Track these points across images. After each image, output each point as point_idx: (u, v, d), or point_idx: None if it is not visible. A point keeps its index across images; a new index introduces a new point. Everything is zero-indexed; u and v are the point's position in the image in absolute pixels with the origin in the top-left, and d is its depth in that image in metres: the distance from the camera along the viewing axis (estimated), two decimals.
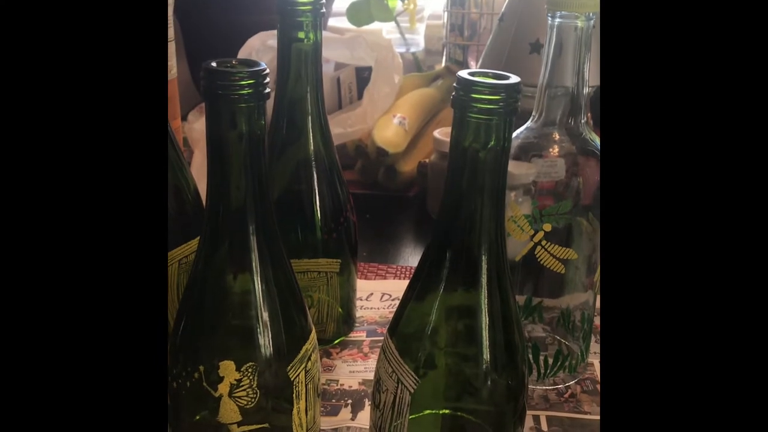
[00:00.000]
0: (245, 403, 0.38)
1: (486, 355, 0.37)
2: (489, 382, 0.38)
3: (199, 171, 0.55)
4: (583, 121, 0.48)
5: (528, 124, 0.49)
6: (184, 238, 0.47)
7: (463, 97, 0.34)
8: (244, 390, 0.38)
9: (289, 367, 0.38)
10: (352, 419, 0.49)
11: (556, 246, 0.48)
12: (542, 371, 0.52)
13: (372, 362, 0.55)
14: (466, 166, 0.35)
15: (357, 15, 1.05)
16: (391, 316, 0.40)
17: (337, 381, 0.53)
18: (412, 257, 0.73)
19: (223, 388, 0.37)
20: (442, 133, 0.77)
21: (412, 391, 0.37)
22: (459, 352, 0.38)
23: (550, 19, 0.46)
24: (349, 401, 0.51)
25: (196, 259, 0.38)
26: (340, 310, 0.57)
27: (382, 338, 0.40)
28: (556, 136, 0.48)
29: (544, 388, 0.52)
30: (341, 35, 0.91)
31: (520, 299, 0.52)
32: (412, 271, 0.40)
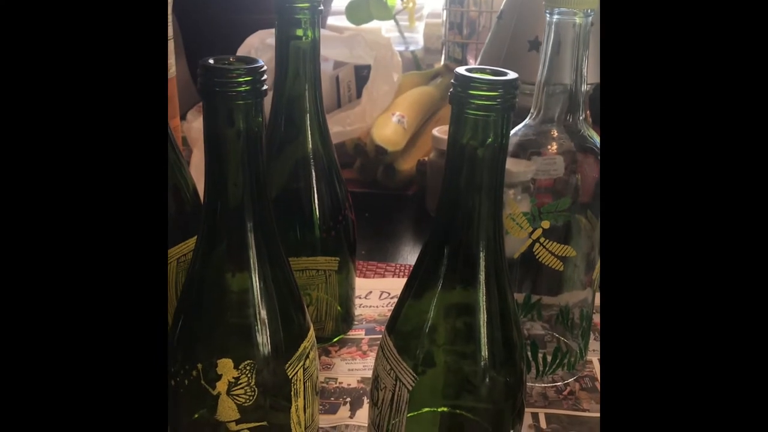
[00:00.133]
0: (243, 400, 0.38)
1: (484, 352, 0.37)
2: (487, 380, 0.38)
3: (197, 170, 0.55)
4: (581, 118, 0.48)
5: (526, 121, 0.49)
6: (182, 237, 0.47)
7: (460, 94, 0.34)
8: (243, 388, 0.38)
9: (287, 365, 0.38)
10: (351, 417, 0.49)
11: (555, 243, 0.48)
12: (541, 369, 0.52)
13: (371, 360, 0.55)
14: (464, 163, 0.35)
15: (356, 13, 1.04)
16: (389, 314, 0.40)
17: (336, 379, 0.53)
18: (411, 255, 0.73)
19: (222, 386, 0.37)
20: (441, 132, 0.77)
21: (410, 388, 0.37)
22: (457, 349, 0.38)
23: (548, 16, 0.46)
24: (348, 399, 0.51)
25: (194, 257, 0.38)
26: (338, 308, 0.57)
27: (380, 336, 0.40)
28: (555, 134, 0.48)
29: (542, 385, 0.52)
30: (340, 34, 0.91)
31: (519, 297, 0.52)
32: (411, 269, 0.40)
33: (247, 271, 0.38)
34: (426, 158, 0.84)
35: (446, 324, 0.38)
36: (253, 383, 0.37)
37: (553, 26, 0.46)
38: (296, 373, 0.39)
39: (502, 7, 0.75)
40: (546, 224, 0.48)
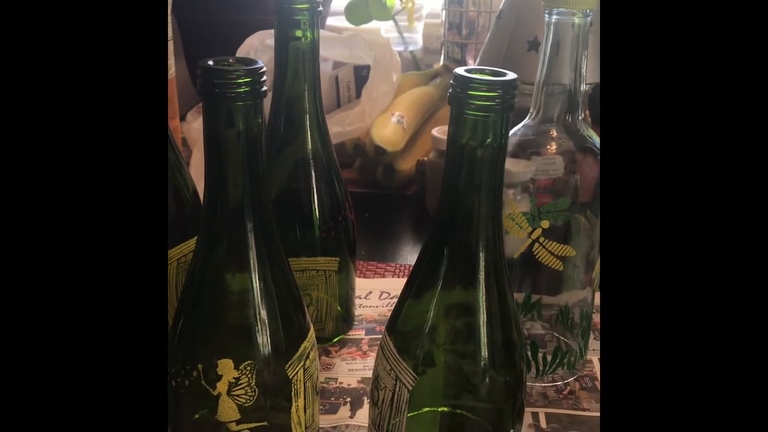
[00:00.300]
0: (244, 401, 0.38)
1: (484, 352, 0.37)
2: (487, 380, 0.38)
3: (197, 170, 0.55)
4: (580, 118, 0.48)
5: (525, 121, 0.49)
6: (182, 237, 0.47)
7: (459, 94, 0.34)
8: (243, 388, 0.38)
9: (288, 365, 0.38)
10: (351, 417, 0.49)
11: (554, 243, 0.48)
12: (541, 368, 0.52)
13: (371, 360, 0.55)
14: (464, 164, 0.35)
15: (355, 14, 1.05)
16: (389, 314, 0.40)
17: (336, 379, 0.53)
18: (410, 255, 0.73)
19: (222, 387, 0.37)
20: (440, 132, 0.77)
21: (410, 388, 0.37)
22: (457, 349, 0.38)
23: (547, 16, 0.46)
24: (348, 399, 0.51)
25: (194, 257, 0.38)
26: (338, 308, 0.57)
27: (380, 336, 0.40)
28: (554, 134, 0.48)
29: (543, 385, 0.53)
30: (339, 34, 0.91)
31: (519, 296, 0.52)
32: (411, 269, 0.40)
33: (247, 272, 0.38)
34: (425, 158, 0.84)
35: (446, 324, 0.38)
36: (253, 383, 0.38)
37: (551, 26, 0.46)
38: (296, 373, 0.39)
39: (501, 7, 0.75)
40: (545, 224, 0.48)
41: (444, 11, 1.05)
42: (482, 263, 0.36)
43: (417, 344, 0.38)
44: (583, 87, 0.47)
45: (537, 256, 0.49)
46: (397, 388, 0.38)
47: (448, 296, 0.37)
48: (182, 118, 0.83)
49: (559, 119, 0.48)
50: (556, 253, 0.49)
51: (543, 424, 0.49)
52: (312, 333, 0.41)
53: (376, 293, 0.65)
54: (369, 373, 0.53)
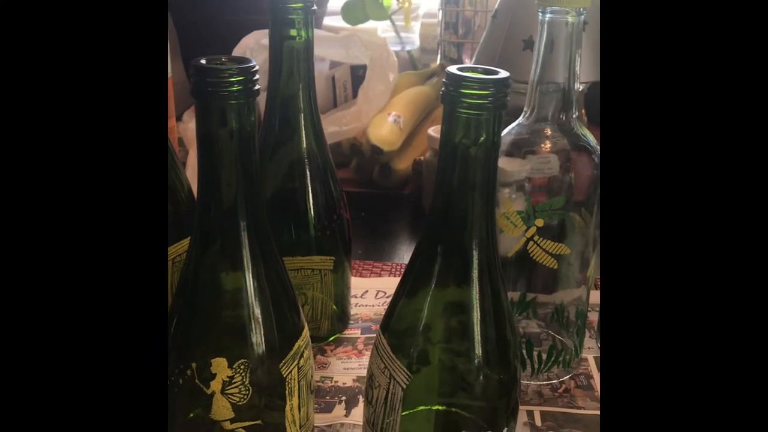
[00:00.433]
0: (238, 399, 0.38)
1: (478, 350, 0.37)
2: (481, 378, 0.38)
3: (194, 170, 0.55)
4: (574, 116, 0.48)
5: (519, 120, 0.49)
6: (177, 237, 0.47)
7: (452, 93, 0.34)
8: (237, 387, 0.38)
9: (282, 364, 0.39)
10: (346, 416, 0.49)
11: (549, 241, 0.48)
12: (536, 366, 0.52)
13: (366, 359, 0.55)
14: (457, 162, 0.35)
15: (352, 14, 1.05)
16: None
17: (332, 378, 0.53)
18: (407, 255, 0.73)
19: (216, 385, 0.37)
20: (436, 131, 0.77)
21: (404, 386, 0.37)
22: (451, 347, 0.38)
23: (540, 15, 0.46)
24: (343, 398, 0.51)
25: (188, 256, 0.38)
26: (334, 307, 0.57)
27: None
28: (548, 132, 0.48)
29: (538, 383, 0.53)
30: (336, 34, 0.91)
31: (515, 295, 0.52)
32: None
33: (241, 271, 0.38)
34: (422, 158, 0.84)
35: (440, 322, 0.38)
36: (247, 382, 0.38)
37: (545, 25, 0.46)
38: (291, 372, 0.39)
39: (496, 6, 0.75)
40: (540, 222, 0.48)
41: (440, 11, 1.06)
42: (476, 262, 0.36)
43: (411, 343, 0.38)
44: (577, 86, 0.47)
45: (532, 255, 0.49)
46: (391, 387, 0.38)
47: (442, 295, 0.37)
48: (179, 119, 0.83)
49: (554, 118, 0.48)
50: (550, 251, 0.49)
51: (538, 422, 0.49)
52: (306, 332, 0.41)
53: (372, 292, 0.65)
54: (364, 372, 0.53)
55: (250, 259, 0.38)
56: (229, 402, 0.38)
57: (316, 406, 0.50)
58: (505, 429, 0.39)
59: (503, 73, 0.34)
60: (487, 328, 0.37)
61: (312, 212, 0.54)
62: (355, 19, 1.04)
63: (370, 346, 0.55)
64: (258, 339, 0.38)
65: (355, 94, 0.91)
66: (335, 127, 0.84)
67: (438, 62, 1.08)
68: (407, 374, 0.37)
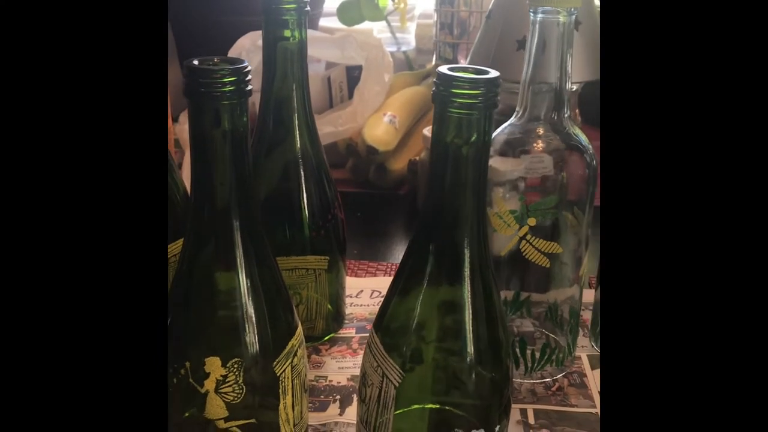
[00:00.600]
0: (232, 398, 0.38)
1: (470, 348, 0.37)
2: (473, 376, 0.38)
3: (189, 171, 0.56)
4: (566, 115, 0.48)
5: (511, 120, 0.49)
6: (173, 237, 0.47)
7: (443, 93, 0.34)
8: (231, 386, 0.38)
9: (275, 363, 0.39)
10: (340, 414, 0.49)
11: (541, 240, 0.49)
12: (529, 365, 0.52)
13: (361, 359, 0.55)
14: (448, 162, 0.35)
15: (348, 14, 1.05)
16: None
17: (326, 377, 0.53)
18: (402, 255, 0.73)
19: (210, 384, 0.38)
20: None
21: (397, 385, 0.38)
22: (443, 346, 0.38)
23: (532, 15, 0.46)
24: (338, 397, 0.51)
25: (182, 256, 0.39)
26: (329, 307, 0.57)
27: None
28: (541, 132, 0.49)
29: (531, 381, 0.53)
30: (331, 35, 0.91)
31: (509, 294, 0.52)
32: None
33: (234, 270, 0.38)
34: (417, 158, 0.84)
35: (432, 321, 0.38)
36: (240, 381, 0.38)
37: (537, 25, 0.46)
38: (284, 370, 0.39)
39: (490, 7, 0.75)
40: (532, 221, 0.48)
41: (436, 12, 1.06)
42: (467, 260, 0.37)
43: (403, 341, 0.38)
44: (569, 85, 0.48)
45: (525, 254, 0.49)
46: (384, 385, 0.38)
47: (434, 293, 0.38)
48: (175, 120, 0.84)
49: (546, 117, 0.48)
50: (543, 250, 0.49)
51: (531, 420, 0.49)
52: (300, 331, 0.41)
53: (367, 292, 0.65)
54: (359, 371, 0.53)
55: (243, 259, 0.38)
56: (223, 401, 0.38)
57: (311, 405, 0.50)
58: (498, 427, 0.39)
59: (494, 73, 0.34)
60: (479, 326, 0.38)
61: (306, 212, 0.54)
62: (350, 19, 1.05)
63: (365, 346, 0.56)
64: (251, 338, 0.38)
65: (350, 95, 0.91)
66: (331, 127, 0.84)
67: (433, 63, 1.08)
68: (400, 373, 0.38)
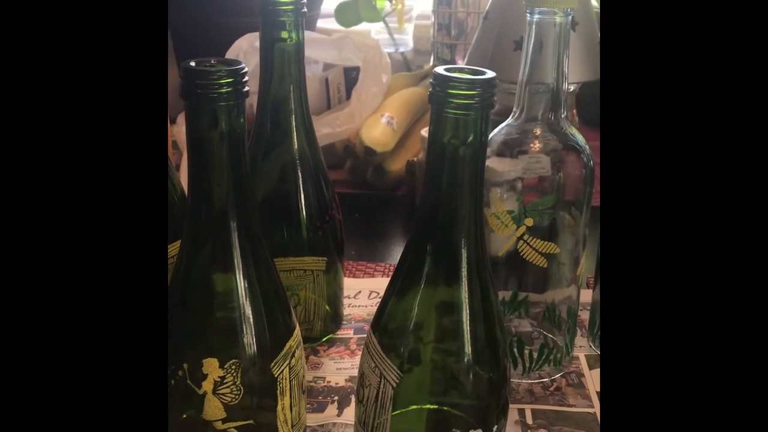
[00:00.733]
0: (229, 399, 0.38)
1: (467, 349, 0.37)
2: (470, 376, 0.38)
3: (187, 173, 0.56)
4: (563, 116, 0.48)
5: (508, 121, 0.50)
6: (171, 238, 0.47)
7: (439, 93, 0.34)
8: (228, 387, 0.38)
9: (273, 364, 0.39)
10: (338, 415, 0.49)
11: (539, 240, 0.49)
12: (527, 365, 0.52)
13: (359, 360, 0.55)
14: (445, 162, 0.35)
15: (345, 16, 1.05)
16: None
17: (324, 378, 0.53)
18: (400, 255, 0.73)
19: (207, 386, 0.38)
20: None
21: (395, 385, 0.38)
22: (440, 346, 0.39)
23: (528, 15, 0.46)
24: (336, 398, 0.51)
25: (179, 258, 0.39)
26: (327, 308, 0.57)
27: None
28: (538, 132, 0.49)
29: (529, 381, 0.53)
30: (329, 36, 0.91)
31: (507, 294, 0.52)
32: None
33: (232, 271, 0.38)
34: (415, 159, 0.84)
35: (429, 321, 0.38)
36: (238, 382, 0.38)
37: (533, 26, 0.46)
38: (282, 371, 0.39)
39: (487, 8, 0.75)
40: (530, 221, 0.48)
41: (433, 13, 1.06)
42: (465, 261, 0.37)
43: (401, 342, 0.38)
44: (566, 86, 0.48)
45: (522, 254, 0.49)
46: (382, 386, 0.38)
47: (431, 294, 0.38)
48: (172, 121, 0.84)
49: (543, 118, 0.48)
50: (540, 250, 0.49)
51: (529, 420, 0.49)
52: (298, 332, 0.41)
53: (365, 293, 0.65)
54: (357, 372, 0.53)
55: (240, 260, 0.38)
56: (221, 402, 0.38)
57: (309, 405, 0.50)
58: (496, 427, 0.39)
59: (490, 74, 0.34)
60: (476, 326, 0.38)
61: (304, 213, 0.54)
62: (348, 21, 1.05)
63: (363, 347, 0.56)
64: (249, 339, 0.38)
65: (348, 96, 0.91)
66: (329, 128, 0.84)
67: (431, 64, 1.08)
68: (397, 373, 0.38)
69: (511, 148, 0.49)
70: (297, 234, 0.54)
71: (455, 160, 0.35)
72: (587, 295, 0.59)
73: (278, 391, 0.39)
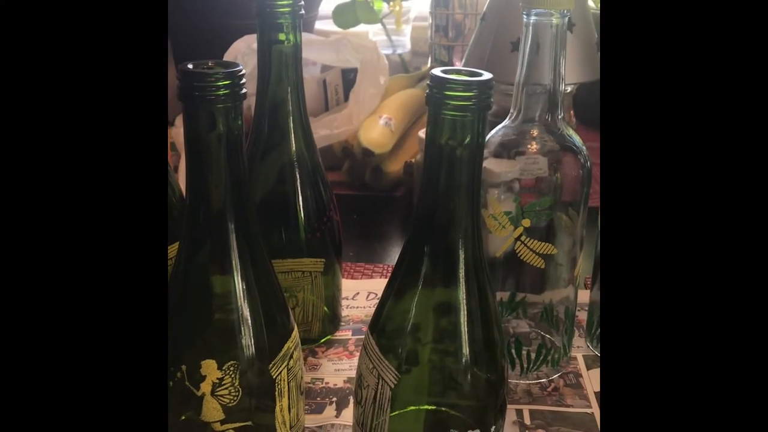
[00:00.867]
0: (228, 401, 0.38)
1: (464, 349, 0.38)
2: (468, 377, 0.38)
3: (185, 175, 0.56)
4: (560, 117, 0.49)
5: (506, 122, 0.50)
6: (169, 240, 0.47)
7: (436, 95, 0.34)
8: (227, 388, 0.38)
9: (271, 366, 0.39)
10: (337, 416, 0.49)
11: (536, 241, 0.49)
12: (525, 366, 0.53)
13: (357, 361, 0.55)
14: (442, 163, 0.36)
15: (343, 17, 1.05)
16: None
17: (323, 379, 0.53)
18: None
19: (206, 387, 0.38)
20: None
21: (393, 386, 0.38)
22: (437, 347, 0.39)
23: (525, 17, 0.46)
24: (334, 399, 0.51)
25: (177, 259, 0.39)
26: (325, 309, 0.57)
27: None
28: (535, 133, 0.49)
29: (527, 382, 0.53)
30: (327, 38, 0.91)
31: (504, 295, 0.52)
32: None
33: (230, 273, 0.38)
34: (413, 160, 0.84)
35: (427, 322, 0.38)
36: (237, 384, 0.38)
37: (530, 27, 0.46)
38: (280, 373, 0.39)
39: (484, 9, 0.75)
40: (527, 222, 0.49)
41: (431, 14, 1.06)
42: (462, 261, 0.37)
43: (398, 343, 0.38)
44: (562, 87, 0.48)
45: (519, 255, 0.49)
46: (380, 387, 0.38)
47: (429, 295, 0.38)
48: (171, 123, 0.84)
49: (540, 119, 0.48)
50: (537, 251, 0.49)
51: (527, 420, 0.49)
52: (296, 333, 0.41)
53: (364, 294, 0.65)
54: (355, 373, 0.53)
55: (238, 262, 0.38)
56: (220, 403, 0.38)
57: (307, 407, 0.50)
58: (494, 427, 0.39)
59: (486, 75, 0.34)
60: (474, 327, 0.38)
61: (302, 215, 0.54)
62: (346, 22, 1.05)
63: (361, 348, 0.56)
64: (247, 341, 0.38)
65: (346, 98, 0.91)
66: (327, 130, 0.85)
67: (429, 65, 1.08)
68: (395, 374, 0.38)
69: (509, 149, 0.49)
70: (295, 235, 0.54)
71: (452, 162, 0.35)
72: (585, 296, 0.59)
73: (276, 393, 0.39)
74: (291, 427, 0.41)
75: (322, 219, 0.55)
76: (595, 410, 0.50)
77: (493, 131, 0.50)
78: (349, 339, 0.58)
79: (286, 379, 0.40)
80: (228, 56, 0.82)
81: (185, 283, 0.38)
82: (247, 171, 0.38)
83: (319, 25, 1.13)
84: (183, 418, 0.40)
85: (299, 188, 0.54)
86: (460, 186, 0.36)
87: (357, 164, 0.88)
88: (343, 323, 0.60)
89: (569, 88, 0.73)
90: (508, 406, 0.48)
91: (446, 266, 0.37)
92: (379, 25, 1.13)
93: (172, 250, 0.47)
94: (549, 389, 0.52)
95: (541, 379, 0.53)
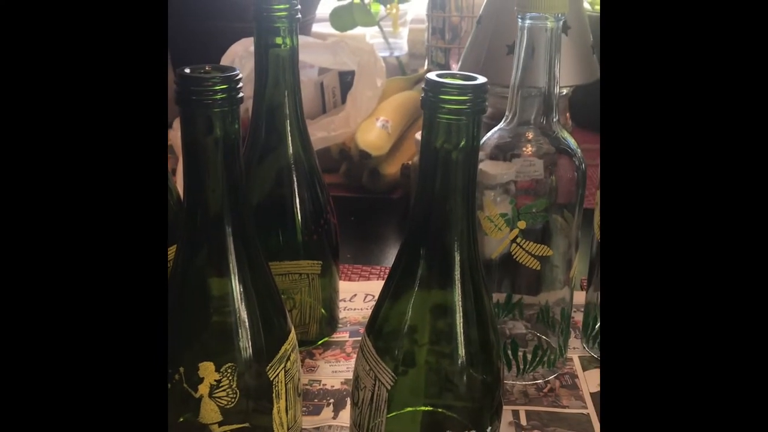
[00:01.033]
0: (225, 403, 0.38)
1: (460, 351, 0.38)
2: (464, 378, 0.38)
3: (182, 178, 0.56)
4: (555, 120, 0.49)
5: (501, 125, 0.50)
6: (168, 243, 0.48)
7: (432, 99, 0.35)
8: (224, 390, 0.38)
9: (269, 367, 0.39)
10: (334, 418, 0.50)
11: (532, 243, 0.49)
12: (521, 367, 0.53)
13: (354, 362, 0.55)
14: (437, 166, 0.36)
15: (340, 20, 1.05)
16: None
17: (320, 381, 0.53)
18: None
19: (204, 389, 0.38)
20: None
21: (389, 388, 0.38)
22: (434, 349, 0.39)
23: (520, 21, 0.47)
24: (332, 401, 0.51)
25: (175, 262, 0.39)
26: (322, 311, 0.58)
27: None
28: (531, 136, 0.49)
29: (523, 383, 0.53)
30: (324, 41, 0.92)
31: (501, 296, 0.52)
32: None
33: (227, 276, 0.38)
34: (410, 162, 0.85)
35: (423, 324, 0.39)
36: (234, 386, 0.38)
37: (525, 30, 0.47)
38: (277, 375, 0.39)
39: (480, 12, 0.76)
40: (522, 224, 0.49)
41: (428, 16, 1.06)
42: (458, 263, 0.37)
43: (395, 344, 0.39)
44: (557, 90, 0.48)
45: (515, 257, 0.50)
46: (377, 388, 0.38)
47: (425, 297, 0.38)
48: (168, 126, 0.84)
49: (535, 122, 0.49)
50: (533, 252, 0.49)
51: (523, 421, 0.50)
52: (293, 335, 0.41)
53: (361, 296, 0.65)
54: (352, 375, 0.54)
55: (236, 264, 0.38)
56: (217, 405, 0.38)
57: (305, 408, 0.50)
58: (490, 428, 0.40)
59: (481, 79, 0.35)
60: (470, 328, 0.38)
61: (299, 217, 0.54)
62: (343, 25, 1.05)
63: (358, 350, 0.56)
64: (244, 343, 0.39)
65: (343, 100, 0.92)
66: (324, 132, 0.85)
67: (426, 67, 1.09)
68: (392, 376, 0.38)
69: (505, 151, 0.49)
70: (292, 238, 0.54)
71: (448, 165, 0.36)
72: (581, 297, 0.59)
73: (274, 395, 0.40)
74: (288, 429, 0.41)
75: (319, 221, 0.55)
76: (591, 411, 0.51)
77: (489, 134, 0.50)
78: (347, 341, 0.59)
79: (283, 381, 0.40)
80: (225, 59, 0.82)
81: (183, 286, 0.39)
82: (245, 174, 0.38)
83: (316, 27, 1.14)
84: (181, 419, 0.40)
85: (296, 191, 0.54)
86: (456, 189, 0.36)
87: (354, 166, 0.88)
88: (340, 325, 0.61)
89: (564, 91, 0.73)
90: (505, 407, 0.48)
91: (442, 268, 0.37)
92: (376, 28, 1.13)
93: (170, 252, 0.48)
94: (545, 390, 0.53)
95: (537, 380, 0.53)
